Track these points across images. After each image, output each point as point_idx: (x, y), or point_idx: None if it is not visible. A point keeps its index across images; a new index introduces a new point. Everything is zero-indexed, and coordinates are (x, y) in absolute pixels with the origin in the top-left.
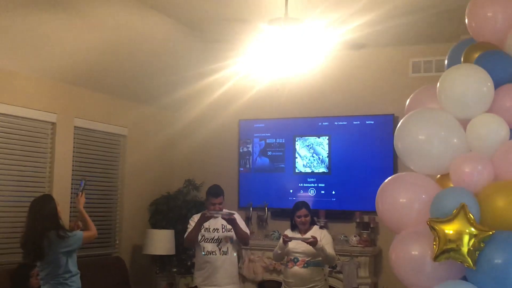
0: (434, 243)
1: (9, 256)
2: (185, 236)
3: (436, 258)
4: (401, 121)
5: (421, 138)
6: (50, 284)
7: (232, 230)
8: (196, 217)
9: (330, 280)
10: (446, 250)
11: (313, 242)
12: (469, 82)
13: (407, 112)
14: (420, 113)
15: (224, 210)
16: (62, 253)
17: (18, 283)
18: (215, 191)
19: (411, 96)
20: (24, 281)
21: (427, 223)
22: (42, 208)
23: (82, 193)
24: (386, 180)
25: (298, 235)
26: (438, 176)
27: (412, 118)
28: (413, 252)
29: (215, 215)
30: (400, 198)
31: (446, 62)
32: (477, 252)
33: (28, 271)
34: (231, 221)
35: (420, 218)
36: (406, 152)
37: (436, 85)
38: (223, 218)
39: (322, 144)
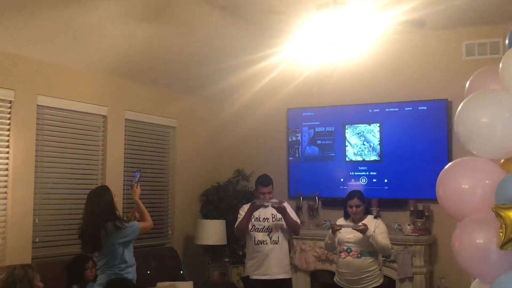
0: (501, 230)
1: (65, 248)
2: (235, 226)
3: (502, 246)
4: (462, 103)
5: (484, 121)
6: (106, 274)
7: (282, 219)
8: (246, 207)
9: (385, 269)
10: None
11: (363, 230)
12: None
13: (467, 94)
14: (482, 95)
15: (273, 199)
16: (119, 243)
17: (74, 274)
18: (265, 180)
19: (471, 77)
20: (79, 273)
21: (493, 210)
22: (100, 199)
23: (137, 184)
24: (447, 165)
25: (349, 224)
26: (502, 160)
27: (473, 101)
28: (477, 240)
29: (265, 204)
30: (462, 184)
31: (507, 41)
32: None
33: (84, 263)
34: (281, 209)
35: (484, 205)
36: (468, 136)
37: (496, 66)
38: (273, 207)
39: (373, 132)
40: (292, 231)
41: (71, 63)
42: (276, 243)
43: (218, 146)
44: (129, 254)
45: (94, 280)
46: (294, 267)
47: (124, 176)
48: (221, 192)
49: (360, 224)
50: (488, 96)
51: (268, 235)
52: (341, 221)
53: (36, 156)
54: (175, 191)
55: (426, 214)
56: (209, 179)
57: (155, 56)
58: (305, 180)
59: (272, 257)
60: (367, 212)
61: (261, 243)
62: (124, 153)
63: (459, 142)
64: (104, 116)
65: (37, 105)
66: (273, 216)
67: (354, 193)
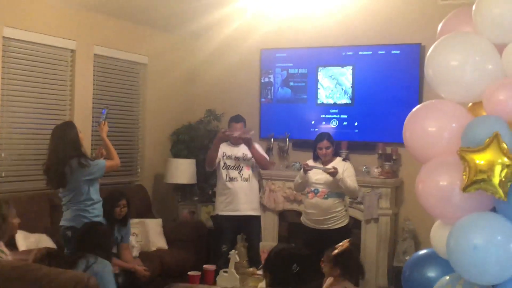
0: (464, 173)
1: (32, 183)
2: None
3: (465, 188)
4: (433, 46)
5: (454, 64)
6: (72, 210)
7: (252, 158)
8: None
9: (351, 211)
10: (476, 180)
11: (333, 173)
12: (507, 3)
13: (439, 37)
14: (453, 37)
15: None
16: (83, 181)
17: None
18: (237, 117)
19: (444, 20)
20: (110, 211)
21: (457, 153)
22: (64, 135)
23: (104, 122)
24: (415, 108)
25: (320, 166)
26: (470, 104)
27: (444, 43)
28: (441, 183)
29: (233, 135)
30: (429, 127)
31: None
32: (509, 183)
33: (116, 201)
34: (247, 140)
35: (450, 148)
36: (438, 79)
37: (469, 8)
38: (240, 137)
39: (345, 75)
40: (259, 164)
41: None
42: (247, 180)
43: (189, 85)
44: (94, 192)
45: (121, 220)
46: (263, 207)
47: (92, 112)
48: (192, 131)
49: (330, 166)
50: (459, 39)
51: (239, 173)
52: (310, 163)
53: (2, 89)
54: (145, 129)
55: (394, 157)
56: (180, 119)
57: None
58: (277, 121)
59: (242, 194)
60: (336, 154)
61: (231, 180)
62: (93, 89)
63: (430, 87)
64: (73, 51)
65: (3, 37)
66: (244, 155)
67: (323, 135)
